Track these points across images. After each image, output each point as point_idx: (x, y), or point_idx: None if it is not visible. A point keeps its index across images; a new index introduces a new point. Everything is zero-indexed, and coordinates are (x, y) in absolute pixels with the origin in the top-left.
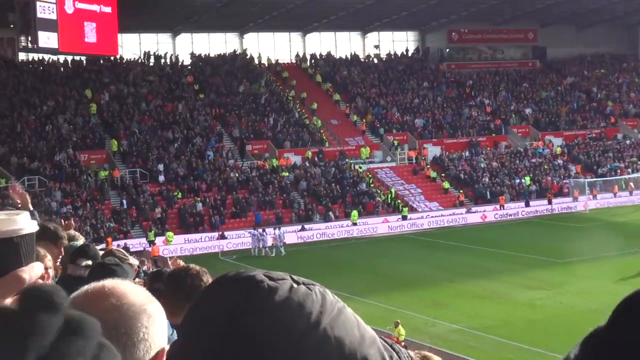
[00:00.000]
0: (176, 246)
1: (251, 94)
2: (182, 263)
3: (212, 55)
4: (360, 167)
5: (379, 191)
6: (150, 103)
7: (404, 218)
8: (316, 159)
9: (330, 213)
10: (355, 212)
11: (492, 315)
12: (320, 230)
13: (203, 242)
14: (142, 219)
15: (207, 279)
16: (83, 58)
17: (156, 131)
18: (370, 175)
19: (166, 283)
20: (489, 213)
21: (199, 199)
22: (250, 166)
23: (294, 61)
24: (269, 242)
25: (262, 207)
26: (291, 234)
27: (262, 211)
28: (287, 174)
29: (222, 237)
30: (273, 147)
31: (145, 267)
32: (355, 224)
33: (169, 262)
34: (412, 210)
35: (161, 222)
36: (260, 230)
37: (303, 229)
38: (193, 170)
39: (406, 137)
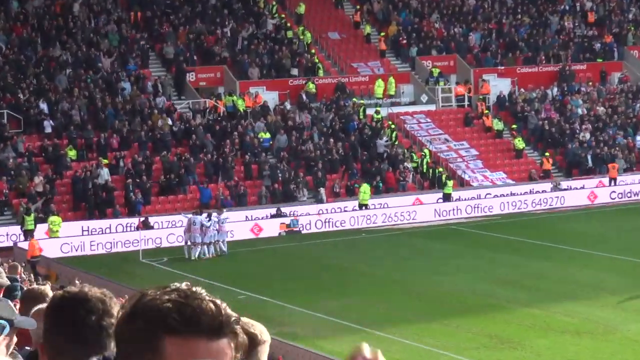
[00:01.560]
0: (69, 240)
1: None
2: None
3: None
4: (377, 113)
5: (406, 152)
6: (27, 0)
7: (447, 198)
8: (303, 97)
9: (322, 190)
10: (365, 187)
11: None
12: (308, 217)
13: (113, 234)
14: (13, 195)
15: (113, 309)
16: None
17: (36, 48)
18: (392, 126)
19: (46, 319)
20: (600, 192)
21: (106, 161)
22: (192, 108)
23: None
24: (212, 235)
25: (211, 178)
26: (265, 222)
27: (212, 184)
28: (264, 136)
29: (146, 225)
30: (231, 77)
31: (18, 277)
32: (365, 206)
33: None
34: (462, 184)
35: (43, 198)
36: (204, 215)
37: (279, 214)
38: (97, 113)
39: (454, 63)
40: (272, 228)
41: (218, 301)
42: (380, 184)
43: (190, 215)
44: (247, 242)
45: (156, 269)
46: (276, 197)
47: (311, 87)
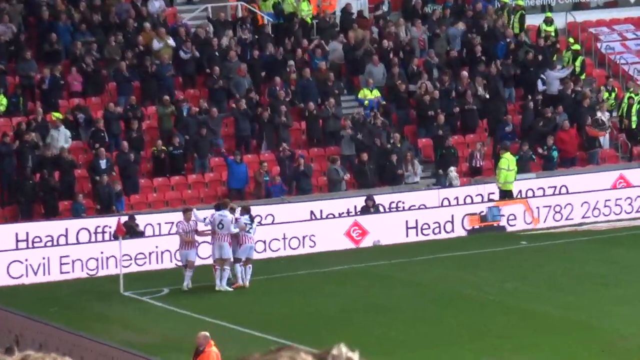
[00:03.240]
0: None
1: None
2: None
3: None
4: (548, 23)
5: (600, 92)
6: None
7: None
8: None
9: (453, 170)
10: (508, 159)
11: None
12: (421, 213)
13: (72, 247)
14: None
15: None
16: None
17: None
18: (575, 47)
19: None
20: None
21: (58, 115)
22: (212, 19)
23: None
24: (252, 247)
25: (248, 144)
26: (368, 220)
27: (249, 154)
28: (369, 95)
29: (131, 229)
30: None
31: None
32: (508, 194)
33: None
34: None
35: None
36: (238, 212)
37: (370, 207)
38: (42, 30)
39: None
40: (373, 230)
41: None
42: (556, 153)
43: (220, 212)
44: (331, 255)
45: (150, 308)
46: (364, 177)
47: None
